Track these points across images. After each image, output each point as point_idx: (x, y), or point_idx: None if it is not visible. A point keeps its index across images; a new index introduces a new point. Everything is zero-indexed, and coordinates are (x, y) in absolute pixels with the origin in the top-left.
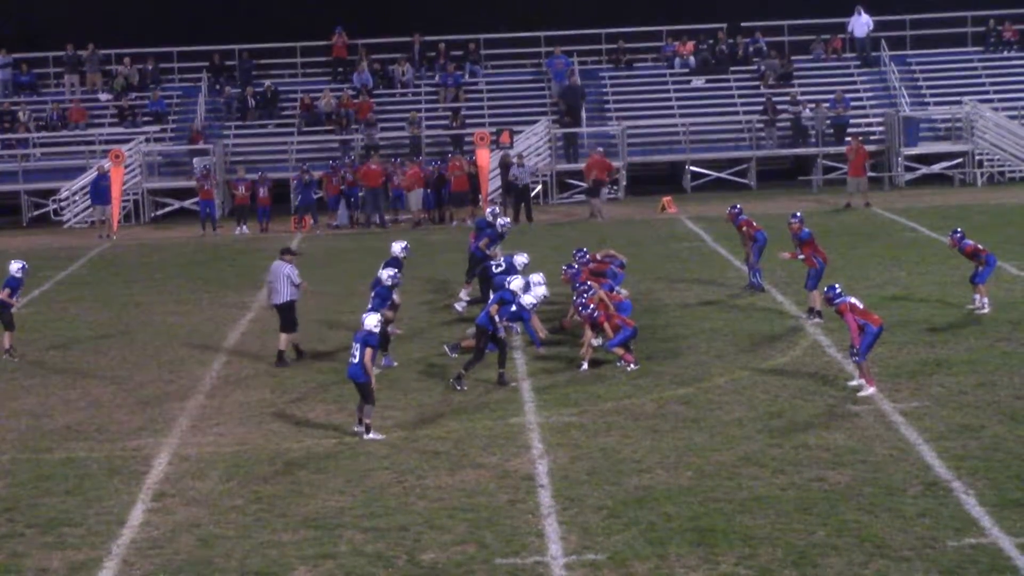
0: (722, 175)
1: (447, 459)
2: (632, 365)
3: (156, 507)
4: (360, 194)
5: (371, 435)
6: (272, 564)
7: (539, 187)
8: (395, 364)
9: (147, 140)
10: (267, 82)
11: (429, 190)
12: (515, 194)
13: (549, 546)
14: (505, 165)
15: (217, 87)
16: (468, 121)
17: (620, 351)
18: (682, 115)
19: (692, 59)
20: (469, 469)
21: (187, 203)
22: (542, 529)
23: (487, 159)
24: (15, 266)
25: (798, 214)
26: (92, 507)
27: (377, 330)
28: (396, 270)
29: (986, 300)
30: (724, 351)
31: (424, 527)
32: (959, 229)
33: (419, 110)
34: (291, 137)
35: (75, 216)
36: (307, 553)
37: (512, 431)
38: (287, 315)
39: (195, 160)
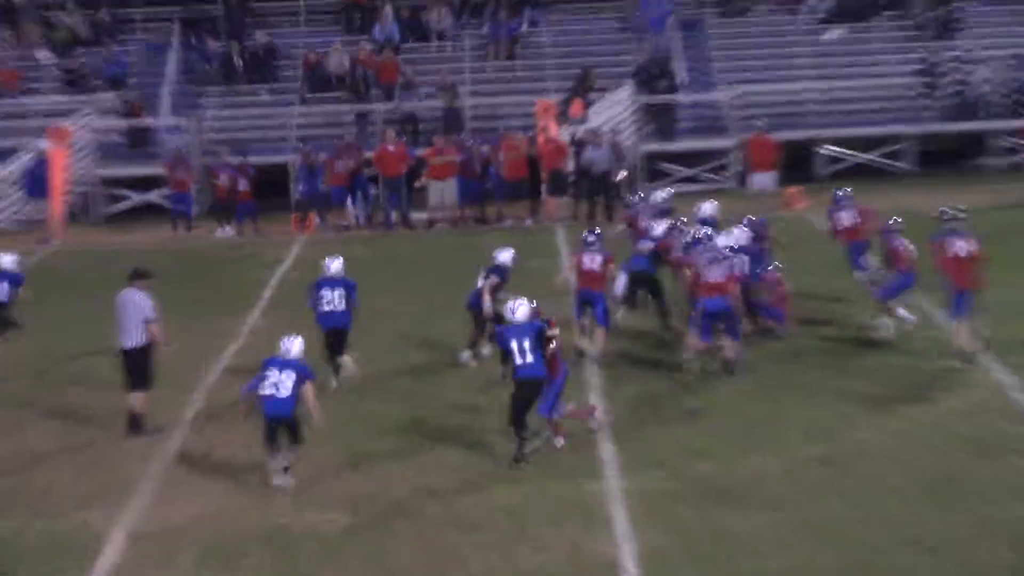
0: (867, 158)
1: (498, 536)
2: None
3: None
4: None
5: (283, 480)
6: None
7: (624, 174)
8: None
9: (100, 113)
10: (260, 35)
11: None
12: (590, 184)
13: None
14: (577, 145)
15: (193, 42)
16: (523, 85)
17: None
18: (812, 78)
19: (825, 3)
20: (528, 551)
21: (152, 196)
22: None
23: (557, 133)
24: (7, 259)
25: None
26: None
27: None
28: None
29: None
30: (871, 394)
31: None
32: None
33: (461, 71)
34: (291, 108)
35: (4, 214)
36: None
37: (586, 499)
38: (137, 364)
39: (165, 138)
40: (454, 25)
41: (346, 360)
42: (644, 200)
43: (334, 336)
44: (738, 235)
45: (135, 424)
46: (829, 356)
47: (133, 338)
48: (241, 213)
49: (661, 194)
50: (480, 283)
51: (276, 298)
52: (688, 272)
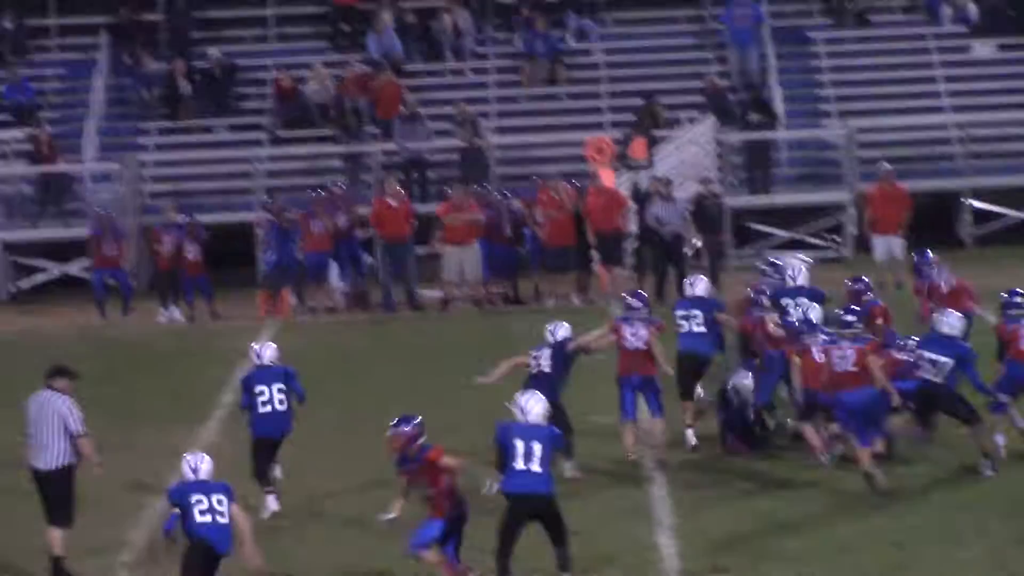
0: None
1: None
2: None
3: None
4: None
5: None
6: None
7: (697, 242)
8: None
9: (2, 156)
10: (215, 50)
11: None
12: (658, 250)
13: None
14: (641, 198)
15: (126, 60)
16: (567, 118)
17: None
18: (956, 108)
19: (972, 8)
20: None
21: (73, 267)
22: None
23: (613, 182)
24: None
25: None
26: None
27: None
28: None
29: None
30: None
31: None
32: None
33: (485, 99)
34: (257, 148)
35: None
36: None
37: None
38: (56, 492)
39: (90, 189)
40: (476, 38)
41: (277, 469)
42: (768, 274)
43: (273, 446)
44: (951, 322)
45: (58, 571)
46: (976, 478)
47: (52, 458)
48: (190, 290)
49: (796, 264)
50: (541, 364)
51: (239, 404)
52: (797, 360)
